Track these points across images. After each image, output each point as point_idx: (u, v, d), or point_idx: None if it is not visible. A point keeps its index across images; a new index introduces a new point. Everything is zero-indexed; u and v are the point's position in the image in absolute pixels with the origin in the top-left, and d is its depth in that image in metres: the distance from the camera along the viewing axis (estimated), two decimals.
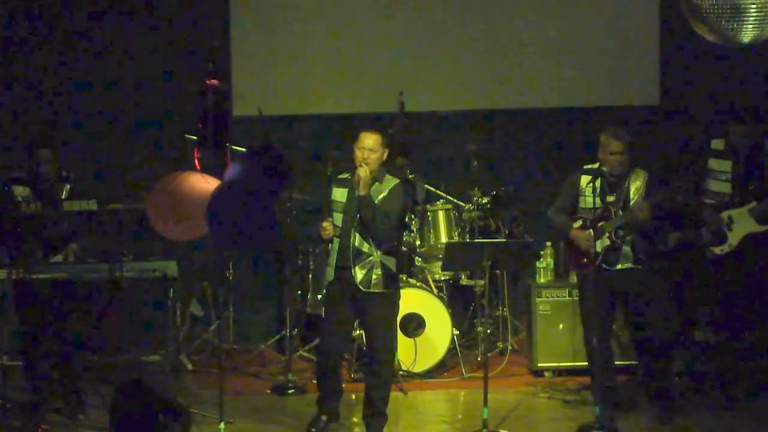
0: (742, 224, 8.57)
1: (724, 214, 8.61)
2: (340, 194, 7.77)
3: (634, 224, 7.89)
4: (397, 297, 8.01)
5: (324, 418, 7.98)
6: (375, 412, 7.83)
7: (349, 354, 9.16)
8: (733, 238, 8.59)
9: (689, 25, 7.19)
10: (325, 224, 7.72)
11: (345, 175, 7.81)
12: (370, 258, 7.66)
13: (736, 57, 9.68)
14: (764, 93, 10.07)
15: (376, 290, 7.68)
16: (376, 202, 7.62)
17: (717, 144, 8.73)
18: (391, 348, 7.98)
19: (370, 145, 7.62)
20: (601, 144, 8.01)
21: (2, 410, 8.04)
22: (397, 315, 8.14)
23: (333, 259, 7.77)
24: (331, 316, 7.88)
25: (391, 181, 7.74)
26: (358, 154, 7.64)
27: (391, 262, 7.73)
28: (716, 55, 9.61)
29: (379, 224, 7.59)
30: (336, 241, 7.74)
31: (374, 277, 7.66)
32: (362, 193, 7.58)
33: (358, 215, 7.62)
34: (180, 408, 7.15)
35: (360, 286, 7.65)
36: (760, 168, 8.58)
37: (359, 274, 7.66)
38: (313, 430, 7.95)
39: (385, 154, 7.72)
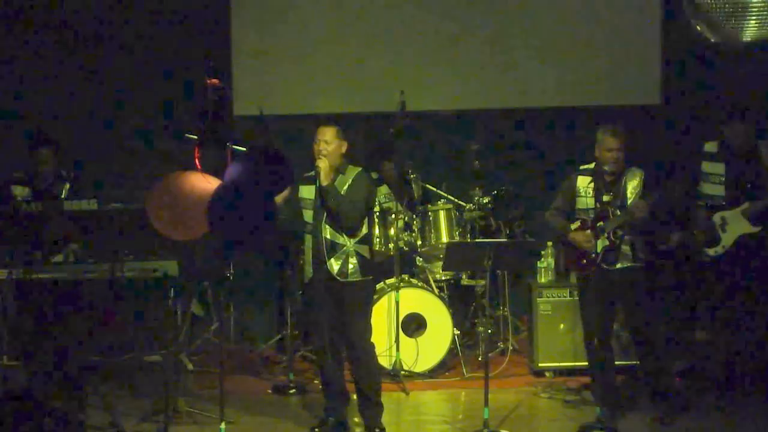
0: (735, 225, 8.56)
1: (718, 216, 8.60)
2: (307, 192, 7.91)
3: (632, 223, 7.88)
4: (373, 284, 8.14)
5: (332, 420, 7.98)
6: (370, 402, 7.90)
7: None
8: (727, 240, 8.59)
9: (691, 25, 7.19)
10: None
11: (310, 173, 7.92)
12: (344, 248, 7.79)
13: (737, 56, 9.67)
14: (765, 93, 10.06)
15: (354, 279, 7.79)
16: (342, 192, 7.77)
17: (710, 147, 8.72)
18: (369, 335, 8.01)
19: (326, 137, 7.83)
20: (598, 141, 8.03)
21: (2, 410, 8.02)
22: (372, 302, 8.24)
23: (309, 256, 7.89)
24: (315, 313, 7.94)
25: (353, 170, 7.91)
26: (315, 147, 7.85)
27: (364, 250, 7.86)
28: (718, 54, 9.60)
29: (346, 213, 7.74)
30: (309, 238, 7.87)
31: (350, 266, 7.79)
32: (324, 183, 7.74)
33: (326, 207, 7.76)
34: (65, 419, 7.24)
35: (338, 278, 7.76)
36: (753, 170, 8.57)
37: (335, 265, 7.77)
38: (317, 430, 7.97)
39: (344, 146, 7.89)
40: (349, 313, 7.85)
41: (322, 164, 7.76)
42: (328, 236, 7.78)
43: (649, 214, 7.84)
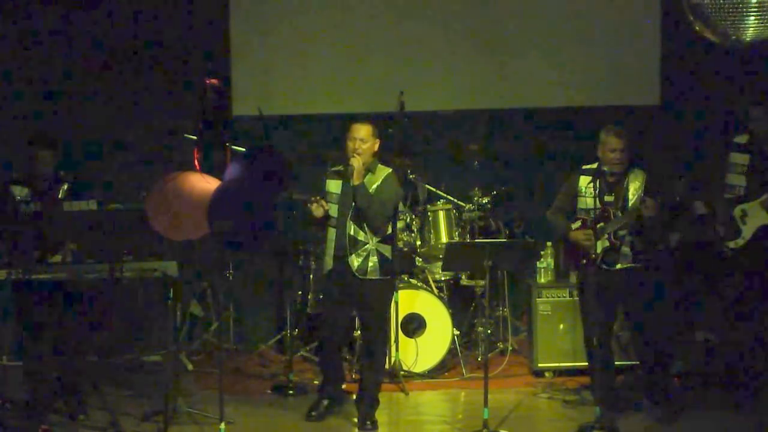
0: (755, 217, 8.59)
1: (738, 208, 8.63)
2: (334, 186, 7.96)
3: (639, 221, 7.86)
4: (393, 284, 8.21)
5: (325, 402, 8.15)
6: (367, 395, 8.03)
7: (350, 354, 9.18)
8: (747, 231, 8.60)
9: (690, 25, 7.19)
10: (314, 206, 7.82)
11: (338, 167, 7.97)
12: (366, 246, 7.86)
13: (737, 57, 9.67)
14: (764, 93, 10.06)
15: (373, 277, 7.86)
16: (371, 191, 7.79)
17: (740, 138, 8.77)
18: (386, 334, 8.15)
19: (361, 135, 7.85)
20: (601, 142, 8.04)
21: (2, 410, 8.03)
22: (392, 301, 8.35)
23: (330, 249, 7.95)
24: (330, 304, 8.07)
25: (383, 171, 7.95)
26: (350, 145, 7.86)
27: (386, 250, 7.91)
28: (717, 54, 9.60)
29: (374, 213, 7.79)
30: (332, 231, 7.92)
31: (370, 264, 7.85)
32: (356, 182, 7.78)
33: (354, 205, 7.80)
34: None
35: (357, 274, 7.83)
36: None
37: (355, 262, 7.84)
38: (314, 413, 8.11)
39: (377, 145, 7.93)
40: (369, 310, 7.97)
41: (356, 163, 7.79)
42: (352, 233, 7.86)
43: (657, 213, 7.85)
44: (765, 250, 8.61)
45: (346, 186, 7.88)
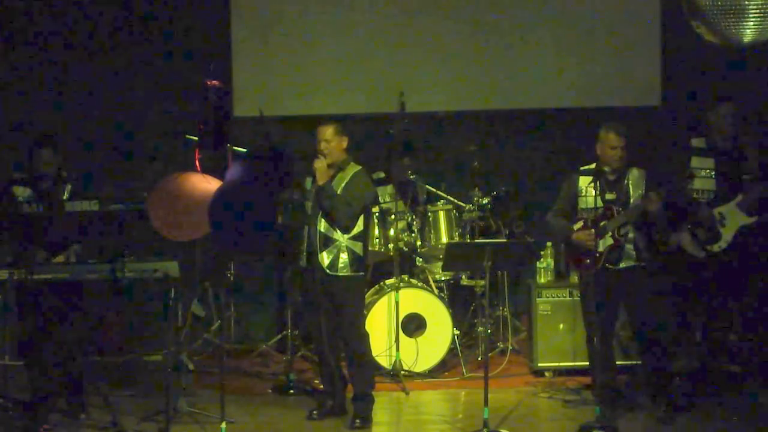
0: (733, 219, 8.57)
1: (715, 212, 8.63)
2: (311, 183, 8.10)
3: (643, 217, 7.87)
4: (364, 281, 8.30)
5: (329, 404, 8.20)
6: (356, 393, 8.10)
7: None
8: (727, 234, 8.60)
9: (690, 26, 7.21)
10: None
11: None
12: (337, 243, 7.96)
13: (736, 57, 9.68)
14: (764, 93, 10.08)
15: (344, 274, 7.96)
16: (339, 190, 7.93)
17: (697, 142, 8.72)
18: (362, 330, 8.19)
19: (326, 136, 8.00)
20: (600, 139, 8.06)
21: (4, 410, 8.04)
22: (364, 298, 8.47)
23: (304, 245, 8.07)
24: (308, 302, 8.21)
25: (353, 168, 8.06)
26: (318, 148, 8.01)
27: (358, 247, 8.02)
28: (717, 55, 9.61)
29: (339, 213, 7.91)
30: (306, 228, 8.05)
31: (341, 261, 7.96)
32: (320, 183, 7.93)
33: (321, 205, 7.94)
34: None
35: (327, 270, 7.94)
36: (742, 165, 8.58)
37: (326, 258, 7.96)
38: (315, 413, 8.17)
39: (344, 142, 8.05)
40: (340, 306, 8.04)
41: (318, 164, 7.94)
42: (323, 230, 7.97)
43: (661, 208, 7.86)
44: (748, 249, 8.61)
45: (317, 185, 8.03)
